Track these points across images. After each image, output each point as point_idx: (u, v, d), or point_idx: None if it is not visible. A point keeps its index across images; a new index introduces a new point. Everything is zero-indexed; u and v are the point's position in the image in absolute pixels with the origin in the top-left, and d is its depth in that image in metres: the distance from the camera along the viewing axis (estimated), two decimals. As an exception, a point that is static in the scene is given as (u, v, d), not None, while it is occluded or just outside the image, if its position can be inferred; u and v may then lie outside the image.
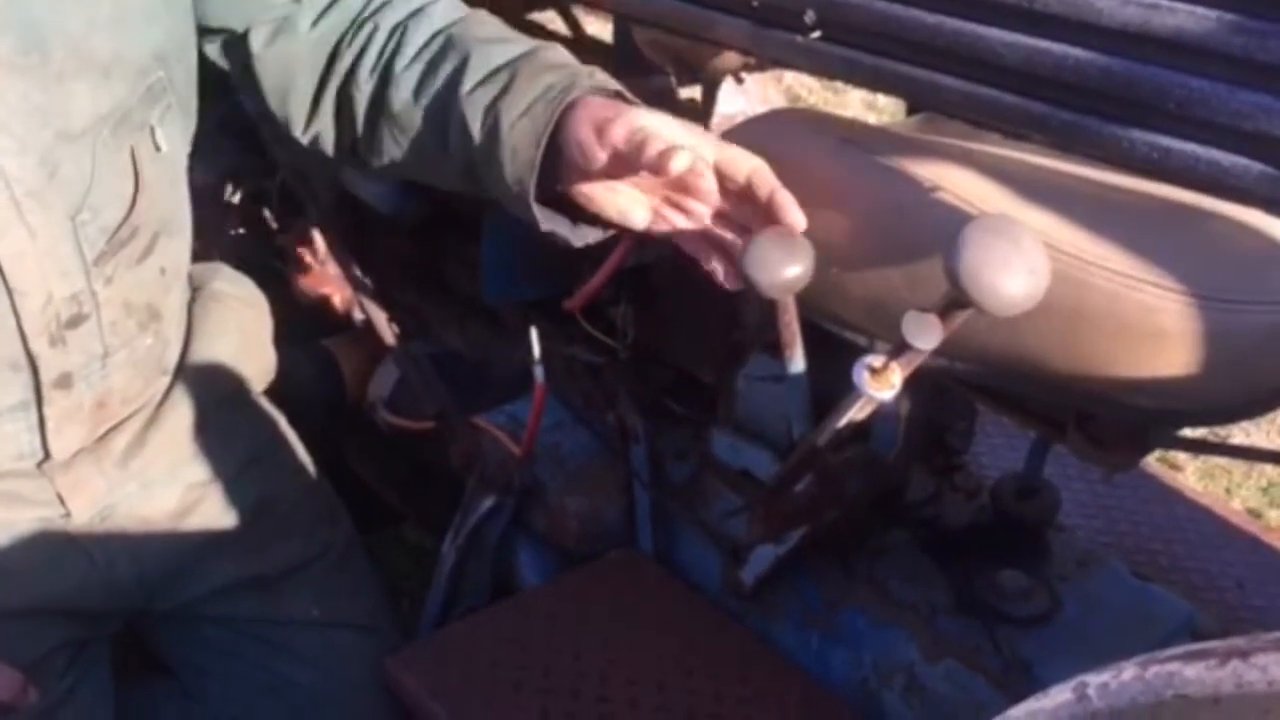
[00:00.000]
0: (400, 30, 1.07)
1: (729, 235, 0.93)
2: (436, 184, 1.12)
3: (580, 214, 0.99)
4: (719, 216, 0.93)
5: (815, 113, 1.18)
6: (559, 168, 0.96)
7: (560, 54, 1.02)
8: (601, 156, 0.91)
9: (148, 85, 1.05)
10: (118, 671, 1.23)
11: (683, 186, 0.93)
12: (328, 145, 1.14)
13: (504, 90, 0.98)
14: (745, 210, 0.91)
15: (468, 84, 1.00)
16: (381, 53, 1.07)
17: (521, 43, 1.04)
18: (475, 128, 0.99)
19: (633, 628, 1.14)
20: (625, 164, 0.91)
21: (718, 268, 0.93)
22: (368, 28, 1.08)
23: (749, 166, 0.90)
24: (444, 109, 1.02)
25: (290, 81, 1.10)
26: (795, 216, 0.87)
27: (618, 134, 0.89)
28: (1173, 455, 2.14)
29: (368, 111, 1.08)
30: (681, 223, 0.95)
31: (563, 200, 0.98)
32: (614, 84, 0.98)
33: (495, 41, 1.03)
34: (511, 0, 1.35)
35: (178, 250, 1.18)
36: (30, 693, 1.02)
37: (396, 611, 1.36)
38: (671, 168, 0.84)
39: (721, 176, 0.91)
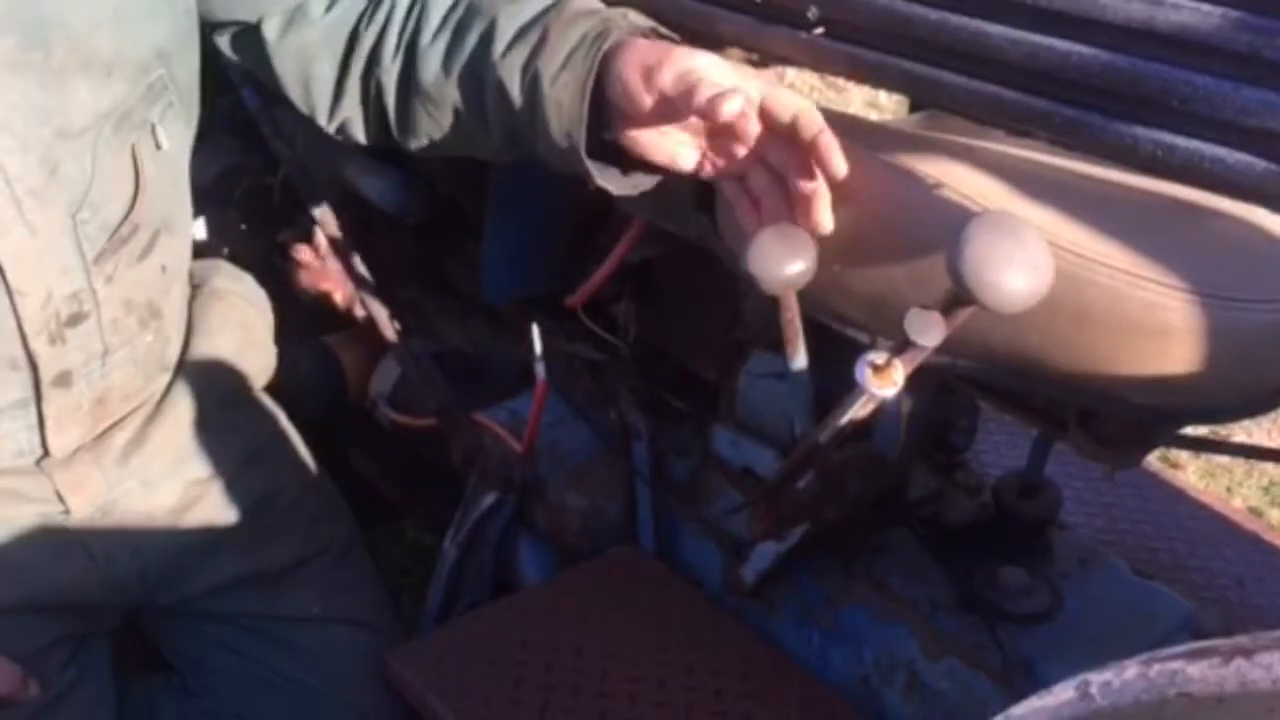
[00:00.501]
0: (420, 4, 1.04)
1: (764, 182, 0.91)
2: (478, 155, 1.09)
3: (629, 161, 0.96)
4: (758, 160, 0.90)
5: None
6: (605, 116, 0.94)
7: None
8: (648, 101, 0.89)
9: (149, 83, 1.04)
10: (118, 667, 1.23)
11: (728, 129, 0.89)
12: (357, 132, 1.11)
13: (538, 47, 0.95)
14: (786, 154, 0.89)
15: (499, 47, 0.97)
16: (403, 30, 1.04)
17: None
18: (514, 91, 0.96)
19: (633, 624, 1.14)
20: (673, 108, 0.88)
21: (749, 217, 0.91)
22: (385, 6, 1.05)
23: (795, 107, 0.87)
24: (478, 77, 0.99)
25: (310, 70, 1.08)
26: (837, 160, 0.85)
27: (666, 78, 0.88)
28: (1174, 454, 2.14)
29: (398, 92, 1.05)
30: (727, 167, 0.93)
31: (609, 150, 0.96)
32: (648, 21, 0.95)
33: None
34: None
35: (179, 248, 1.17)
36: (30, 685, 1.01)
37: (397, 608, 1.35)
38: (723, 113, 0.83)
39: (766, 117, 0.88)
